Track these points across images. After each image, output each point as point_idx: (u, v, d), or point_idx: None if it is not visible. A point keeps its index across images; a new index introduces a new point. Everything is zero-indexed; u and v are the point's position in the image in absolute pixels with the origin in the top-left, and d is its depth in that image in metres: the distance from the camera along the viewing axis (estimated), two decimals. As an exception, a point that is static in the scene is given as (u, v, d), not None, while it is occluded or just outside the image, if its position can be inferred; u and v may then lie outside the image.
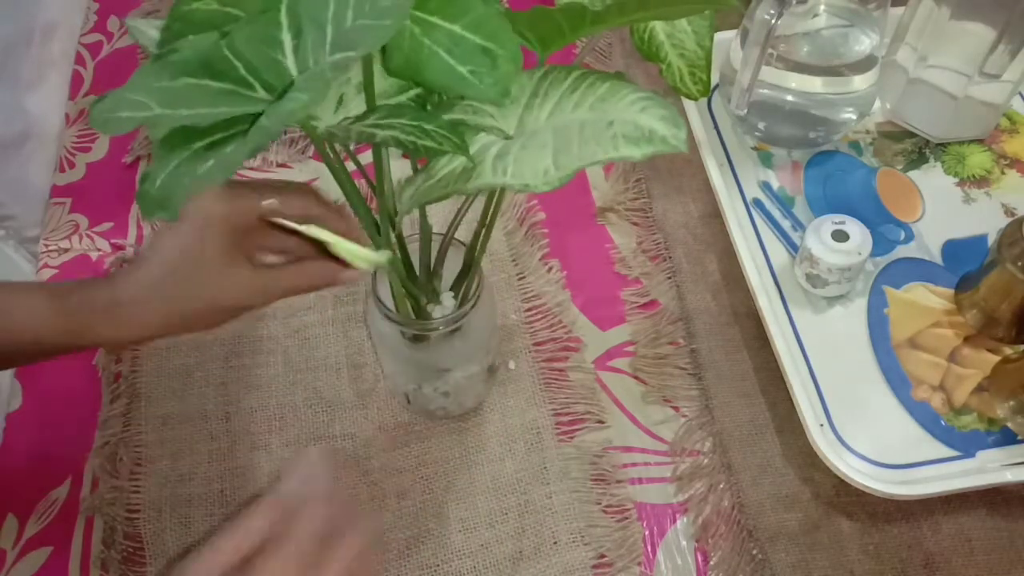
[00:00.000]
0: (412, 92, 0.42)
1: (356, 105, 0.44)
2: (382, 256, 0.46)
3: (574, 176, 0.38)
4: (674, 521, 0.60)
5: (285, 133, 0.79)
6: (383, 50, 0.40)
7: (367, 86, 0.41)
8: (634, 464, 0.63)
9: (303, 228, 0.45)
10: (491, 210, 0.50)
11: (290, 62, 0.36)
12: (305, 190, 0.46)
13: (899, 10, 0.71)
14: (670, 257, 0.71)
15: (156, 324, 0.45)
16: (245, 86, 0.36)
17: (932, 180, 0.72)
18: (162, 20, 0.39)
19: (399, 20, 0.34)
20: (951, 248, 0.68)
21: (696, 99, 0.55)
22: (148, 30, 0.43)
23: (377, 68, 0.41)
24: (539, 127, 0.40)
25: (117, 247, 0.74)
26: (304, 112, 0.33)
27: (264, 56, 0.36)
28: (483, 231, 0.51)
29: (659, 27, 0.52)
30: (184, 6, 0.38)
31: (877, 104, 0.76)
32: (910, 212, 0.71)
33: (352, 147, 0.51)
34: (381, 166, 0.46)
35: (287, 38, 0.36)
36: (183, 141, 0.35)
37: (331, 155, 0.44)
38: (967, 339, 0.63)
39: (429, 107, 0.43)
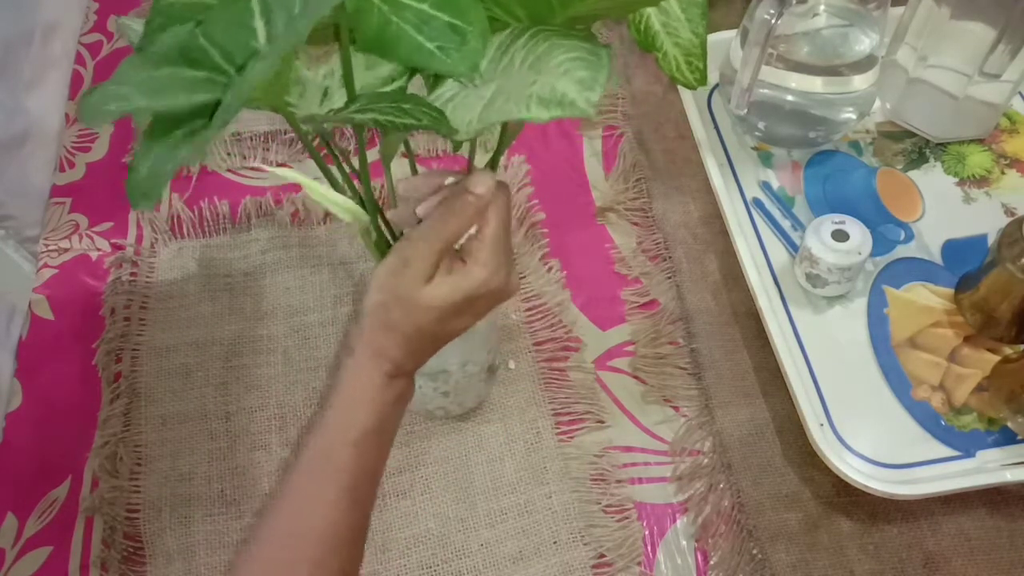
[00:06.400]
0: (395, 84, 0.43)
1: (340, 98, 0.44)
2: (361, 214, 0.46)
3: (487, 129, 0.38)
4: (674, 521, 0.60)
5: (285, 132, 0.79)
6: (349, 25, 0.40)
7: (346, 77, 0.41)
8: (634, 464, 0.63)
9: (275, 171, 0.45)
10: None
11: (263, 47, 0.37)
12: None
13: (899, 10, 0.71)
14: (670, 257, 0.71)
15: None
16: (221, 73, 0.36)
17: (932, 180, 0.72)
18: None
19: None
20: (951, 248, 0.68)
21: (694, 88, 0.55)
22: (138, 27, 0.43)
23: (359, 64, 0.41)
24: (491, 79, 0.41)
25: (117, 247, 0.74)
26: (260, 78, 0.33)
27: (238, 42, 0.36)
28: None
29: (654, 16, 0.52)
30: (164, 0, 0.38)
31: (877, 104, 0.76)
32: (910, 212, 0.71)
33: (351, 149, 0.51)
34: (363, 152, 0.46)
35: (260, 24, 0.37)
36: (165, 130, 0.36)
37: (313, 146, 0.44)
38: (967, 339, 0.63)
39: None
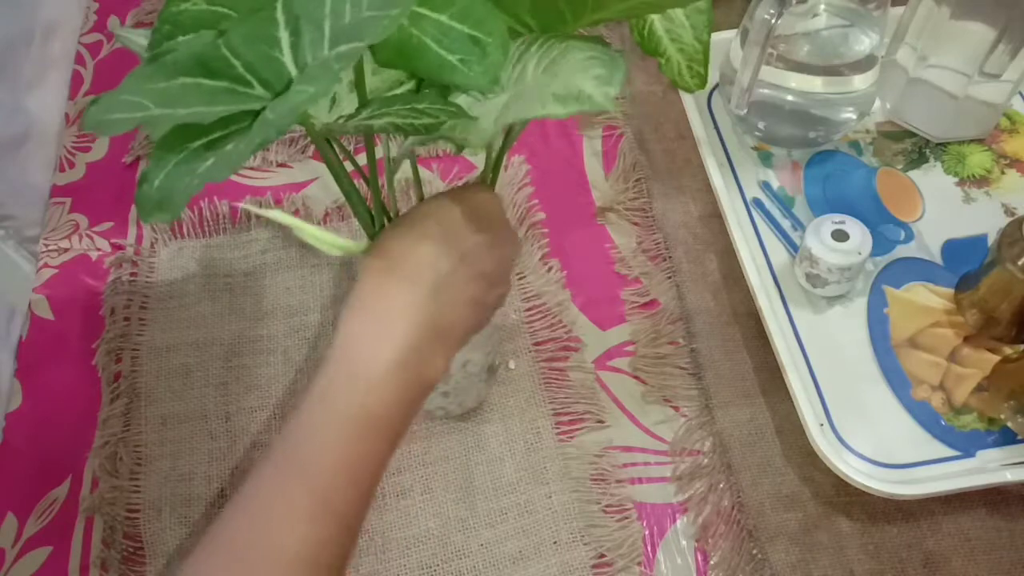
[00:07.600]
0: (404, 88, 0.43)
1: (349, 104, 0.44)
2: (355, 246, 0.46)
3: (499, 133, 0.39)
4: (674, 521, 0.60)
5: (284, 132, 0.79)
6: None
7: (358, 83, 0.41)
8: (634, 464, 0.63)
9: (266, 213, 0.45)
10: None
11: (288, 59, 0.37)
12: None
13: (899, 10, 0.71)
14: (670, 257, 0.71)
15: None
16: (243, 84, 0.36)
17: (932, 180, 0.72)
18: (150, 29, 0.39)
19: (406, 8, 0.34)
20: (951, 248, 0.68)
21: (693, 91, 0.56)
22: (137, 39, 0.43)
23: (365, 68, 0.41)
24: (504, 89, 0.41)
25: (117, 247, 0.74)
26: (311, 103, 0.33)
27: (262, 54, 0.36)
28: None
29: (658, 22, 0.52)
30: (173, 7, 0.38)
31: (877, 104, 0.76)
32: (910, 212, 0.71)
33: (351, 148, 0.51)
34: (373, 162, 0.46)
35: (284, 35, 0.36)
36: (180, 141, 0.35)
37: (331, 153, 0.45)
38: (967, 339, 0.63)
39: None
